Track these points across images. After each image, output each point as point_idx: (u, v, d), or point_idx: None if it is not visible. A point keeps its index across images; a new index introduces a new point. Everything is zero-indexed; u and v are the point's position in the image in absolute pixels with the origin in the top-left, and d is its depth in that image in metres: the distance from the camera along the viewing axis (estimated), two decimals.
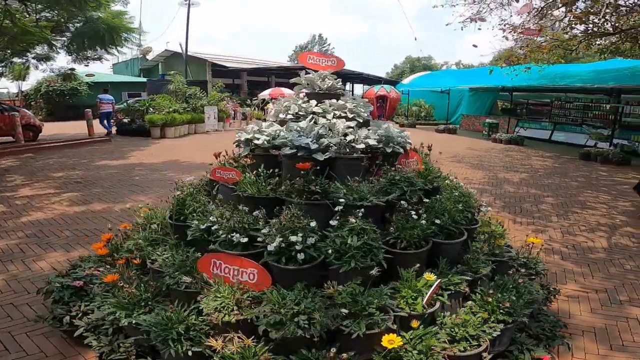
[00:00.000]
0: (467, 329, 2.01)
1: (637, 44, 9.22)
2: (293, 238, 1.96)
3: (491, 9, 9.08)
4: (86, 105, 26.71)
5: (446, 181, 3.05)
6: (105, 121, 13.77)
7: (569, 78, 13.16)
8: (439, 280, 2.15)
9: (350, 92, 37.44)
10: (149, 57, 34.87)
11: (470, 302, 2.25)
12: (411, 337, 1.92)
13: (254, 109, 19.21)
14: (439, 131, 17.83)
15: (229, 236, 2.08)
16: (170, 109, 13.84)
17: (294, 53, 55.12)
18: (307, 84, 3.12)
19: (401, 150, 2.78)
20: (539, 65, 10.48)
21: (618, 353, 2.53)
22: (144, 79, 31.65)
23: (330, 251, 2.02)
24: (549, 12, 9.12)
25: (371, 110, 4.47)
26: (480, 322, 2.05)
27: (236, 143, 2.95)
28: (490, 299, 2.18)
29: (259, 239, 2.05)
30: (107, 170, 8.00)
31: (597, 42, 9.79)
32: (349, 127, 2.62)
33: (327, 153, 2.38)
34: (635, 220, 5.36)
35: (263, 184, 2.42)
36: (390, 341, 1.76)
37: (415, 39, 22.25)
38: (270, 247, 1.99)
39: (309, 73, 3.12)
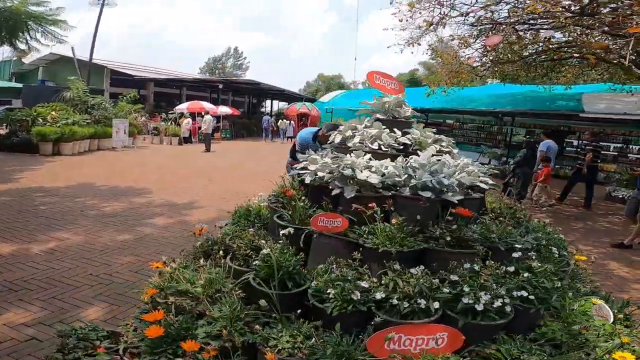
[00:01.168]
0: None
1: (529, 71, 11.00)
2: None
3: (424, 34, 9.98)
4: None
5: None
6: None
7: (475, 102, 15.11)
8: None
9: (269, 109, 37.12)
10: (26, 60, 28.97)
11: None
12: None
13: (170, 123, 17.33)
14: None
15: (408, 303, 1.59)
16: (69, 121, 11.49)
17: (205, 65, 52.40)
18: (377, 110, 2.58)
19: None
20: (452, 89, 11.81)
21: None
22: (19, 85, 26.39)
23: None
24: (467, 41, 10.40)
25: (314, 131, 4.20)
26: None
27: (311, 178, 2.24)
28: None
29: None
30: None
31: (498, 69, 11.52)
32: (464, 164, 2.21)
33: (457, 194, 1.98)
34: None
35: (401, 234, 1.84)
36: None
37: (355, 59, 23.18)
38: (479, 307, 1.58)
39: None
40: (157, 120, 18.70)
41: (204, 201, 6.61)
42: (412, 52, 11.91)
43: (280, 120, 22.91)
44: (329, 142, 2.71)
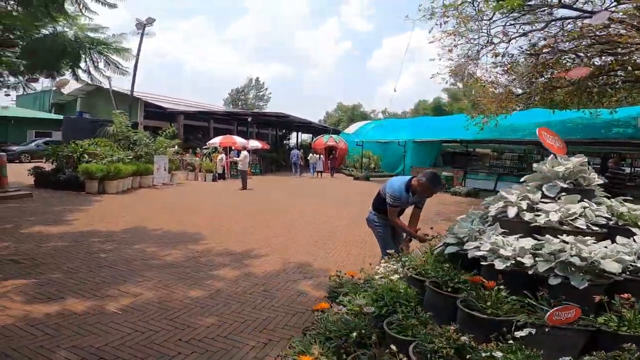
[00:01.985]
0: None
1: (581, 97, 10.55)
2: None
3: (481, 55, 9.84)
4: None
5: None
6: None
7: (520, 130, 14.52)
8: None
9: (294, 141, 37.23)
10: (65, 90, 30.17)
11: None
12: None
13: (204, 158, 17.42)
14: None
15: None
16: (114, 158, 11.59)
17: (229, 96, 54.06)
18: (551, 176, 2.23)
19: None
20: (494, 118, 11.41)
21: None
22: (59, 116, 27.26)
23: None
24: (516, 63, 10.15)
25: (406, 180, 3.83)
26: None
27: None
28: None
29: None
30: (51, 242, 5.86)
31: (547, 96, 11.12)
32: None
33: None
34: None
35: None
36: None
37: (395, 90, 23.19)
38: None
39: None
40: (185, 155, 18.85)
41: (263, 249, 6.25)
42: (455, 83, 11.82)
43: (310, 155, 22.75)
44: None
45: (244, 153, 15.11)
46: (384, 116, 52.87)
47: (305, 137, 41.26)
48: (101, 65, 9.72)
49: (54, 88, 31.02)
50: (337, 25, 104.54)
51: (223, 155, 17.61)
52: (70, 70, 9.00)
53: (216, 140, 19.73)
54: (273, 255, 5.93)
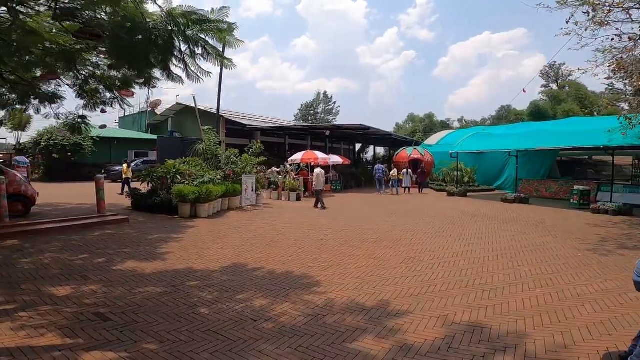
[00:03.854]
0: None
1: None
2: None
3: None
4: (90, 165, 23.84)
5: None
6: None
7: None
8: None
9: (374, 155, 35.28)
10: (158, 111, 32.43)
11: None
12: None
13: (286, 176, 16.53)
14: (507, 201, 15.26)
15: None
16: (204, 179, 11.07)
17: (299, 112, 54.61)
18: None
19: None
20: None
21: None
22: (153, 136, 29.17)
23: None
24: None
25: None
26: None
27: None
28: None
29: None
30: (145, 286, 4.94)
31: None
32: None
33: None
34: None
35: None
36: None
37: (524, 91, 20.82)
38: None
39: None
40: (267, 173, 18.20)
41: (399, 299, 4.63)
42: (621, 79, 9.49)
43: (400, 171, 20.57)
44: None
45: (318, 171, 13.59)
46: (460, 125, 48.63)
47: (378, 150, 39.28)
48: (198, 54, 6.64)
49: (149, 109, 33.64)
50: (397, 35, 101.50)
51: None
52: (161, 67, 6.84)
53: (298, 157, 18.90)
54: (419, 311, 4.28)
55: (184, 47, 6.37)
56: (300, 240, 7.91)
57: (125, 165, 16.01)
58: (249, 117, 32.46)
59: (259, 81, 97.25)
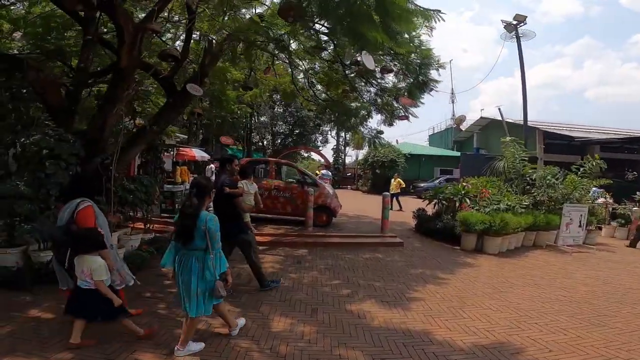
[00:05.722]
0: None
1: None
2: None
3: None
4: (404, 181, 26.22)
5: None
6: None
7: None
8: None
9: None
10: (463, 127, 31.27)
11: None
12: None
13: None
14: None
15: None
16: (500, 205, 8.31)
17: None
18: None
19: None
20: None
21: None
22: (457, 153, 28.11)
23: None
24: None
25: None
26: None
27: None
28: None
29: None
30: (368, 347, 3.38)
31: None
32: None
33: None
34: None
35: None
36: None
37: None
38: None
39: None
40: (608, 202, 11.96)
41: None
42: None
43: None
44: None
45: None
46: None
47: None
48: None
49: (454, 125, 33.20)
50: None
51: None
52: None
53: None
54: None
55: None
56: None
57: (393, 180, 16.34)
58: (577, 128, 24.72)
59: (588, 89, 74.67)
